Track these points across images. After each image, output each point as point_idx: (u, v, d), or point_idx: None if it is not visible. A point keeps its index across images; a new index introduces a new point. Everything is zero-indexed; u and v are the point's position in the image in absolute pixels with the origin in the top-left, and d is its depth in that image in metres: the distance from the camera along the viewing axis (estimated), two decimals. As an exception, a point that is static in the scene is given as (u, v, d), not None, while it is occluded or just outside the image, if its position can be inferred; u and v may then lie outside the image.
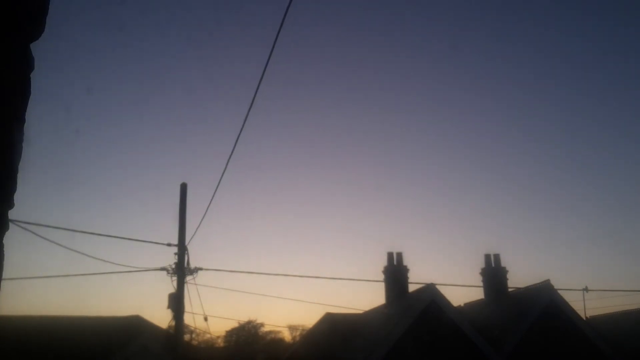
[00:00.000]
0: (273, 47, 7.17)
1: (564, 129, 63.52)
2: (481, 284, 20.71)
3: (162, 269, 15.46)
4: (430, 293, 17.40)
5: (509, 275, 20.45)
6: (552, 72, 61.92)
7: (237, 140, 10.85)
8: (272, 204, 72.28)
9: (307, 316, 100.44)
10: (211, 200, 14.77)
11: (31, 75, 1.83)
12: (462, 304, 21.81)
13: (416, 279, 20.67)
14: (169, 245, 15.58)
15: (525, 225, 64.49)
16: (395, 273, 19.84)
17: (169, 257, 15.67)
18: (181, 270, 15.39)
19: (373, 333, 18.50)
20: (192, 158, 61.85)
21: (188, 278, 15.51)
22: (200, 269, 15.70)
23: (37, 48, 1.84)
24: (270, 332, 51.02)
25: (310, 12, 56.17)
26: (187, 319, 17.43)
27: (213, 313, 42.09)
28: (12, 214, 1.79)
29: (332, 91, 65.74)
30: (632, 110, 58.36)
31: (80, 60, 53.66)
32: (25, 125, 1.80)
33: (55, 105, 45.13)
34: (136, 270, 15.80)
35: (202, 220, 15.63)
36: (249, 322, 49.25)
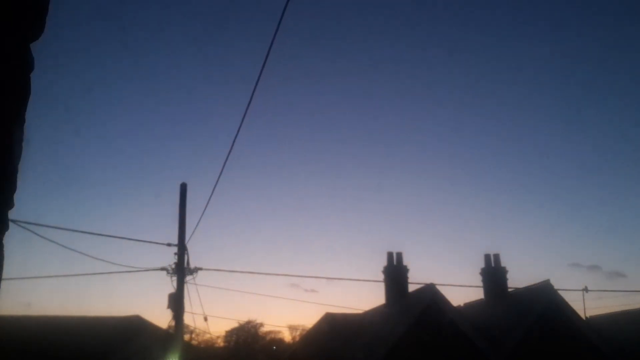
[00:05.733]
0: (270, 46, 7.17)
1: (564, 129, 63.53)
2: (481, 284, 20.69)
3: (162, 269, 15.46)
4: (430, 293, 17.39)
5: (508, 275, 20.45)
6: (551, 73, 61.93)
7: (234, 140, 10.85)
8: (272, 204, 72.30)
9: (307, 316, 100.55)
10: (209, 198, 14.77)
11: (31, 75, 1.82)
12: (462, 304, 21.80)
13: (416, 279, 20.67)
14: (169, 245, 15.57)
15: (525, 225, 64.54)
16: (395, 273, 19.83)
17: (169, 257, 15.68)
18: (181, 270, 15.38)
19: (373, 333, 18.49)
20: (192, 158, 61.94)
21: (188, 278, 15.50)
22: (200, 269, 15.70)
23: (37, 48, 1.84)
24: (270, 332, 51.03)
25: (310, 11, 56.16)
26: (187, 319, 17.47)
27: (213, 313, 42.14)
28: (12, 213, 1.79)
29: (332, 91, 65.78)
30: (633, 110, 58.35)
31: (80, 60, 53.68)
32: (25, 125, 1.80)
33: (55, 105, 45.14)
34: (136, 270, 15.80)
35: (200, 218, 15.64)
36: (249, 322, 49.26)
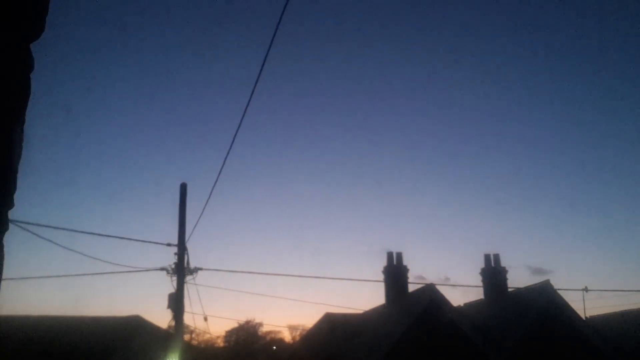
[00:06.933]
0: (270, 46, 7.17)
1: (564, 129, 63.55)
2: (481, 284, 20.70)
3: (162, 269, 15.45)
4: (430, 293, 17.39)
5: (508, 275, 20.46)
6: (550, 72, 61.93)
7: (234, 139, 10.85)
8: (272, 204, 72.32)
9: (307, 316, 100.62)
10: (209, 197, 14.76)
11: (31, 75, 1.82)
12: (462, 304, 21.81)
13: (416, 279, 20.67)
14: (168, 245, 15.57)
15: (525, 225, 64.55)
16: (395, 273, 19.84)
17: (169, 257, 15.68)
18: (181, 270, 15.38)
19: (373, 333, 18.49)
20: (192, 158, 61.96)
21: (188, 278, 15.50)
22: (200, 269, 15.69)
23: (37, 48, 1.84)
24: (270, 332, 51.05)
25: (310, 10, 56.18)
26: (187, 319, 17.44)
27: (213, 313, 42.15)
28: (12, 214, 1.79)
29: (331, 90, 65.79)
30: (633, 110, 58.35)
31: (80, 60, 53.68)
32: (25, 125, 1.80)
33: (55, 105, 45.14)
34: (136, 270, 15.80)
35: (199, 217, 15.63)
36: (249, 322, 49.26)
